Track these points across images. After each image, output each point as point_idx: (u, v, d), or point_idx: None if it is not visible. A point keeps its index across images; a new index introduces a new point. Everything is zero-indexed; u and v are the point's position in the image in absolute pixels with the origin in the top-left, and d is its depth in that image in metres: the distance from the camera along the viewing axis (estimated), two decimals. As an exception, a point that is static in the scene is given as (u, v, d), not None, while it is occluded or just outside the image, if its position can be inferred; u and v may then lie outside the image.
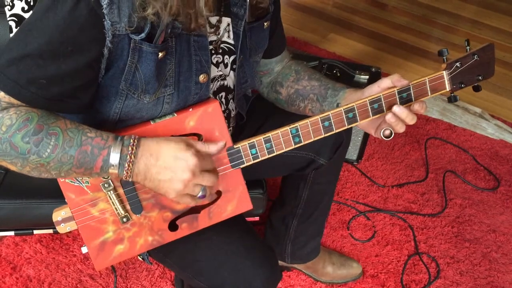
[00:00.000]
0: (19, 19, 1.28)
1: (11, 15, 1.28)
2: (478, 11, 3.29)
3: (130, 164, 0.89)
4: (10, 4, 1.27)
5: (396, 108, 0.98)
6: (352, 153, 2.06)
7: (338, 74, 1.99)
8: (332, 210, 1.91)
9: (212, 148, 0.97)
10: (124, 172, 0.89)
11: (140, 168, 0.90)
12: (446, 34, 3.03)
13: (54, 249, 1.68)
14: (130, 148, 0.89)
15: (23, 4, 1.27)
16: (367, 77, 1.97)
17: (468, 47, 1.01)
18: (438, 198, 1.99)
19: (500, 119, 2.39)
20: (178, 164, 0.90)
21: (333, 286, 1.67)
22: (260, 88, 1.29)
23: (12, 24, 1.28)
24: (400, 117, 0.99)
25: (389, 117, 0.99)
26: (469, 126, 2.33)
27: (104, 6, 0.82)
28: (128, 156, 0.89)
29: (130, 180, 0.92)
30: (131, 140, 0.90)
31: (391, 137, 1.01)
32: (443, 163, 2.14)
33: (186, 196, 0.94)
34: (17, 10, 1.28)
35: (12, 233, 1.43)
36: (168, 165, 0.90)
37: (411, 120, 0.99)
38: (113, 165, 0.89)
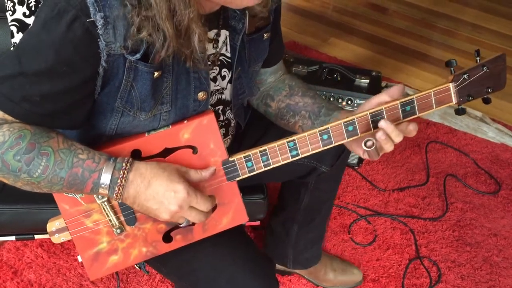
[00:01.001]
0: (20, 24, 1.28)
1: (12, 20, 1.28)
2: (478, 14, 3.29)
3: (121, 188, 0.89)
4: (12, 9, 1.28)
5: (383, 123, 0.93)
6: (353, 157, 2.06)
7: (339, 78, 1.99)
8: (333, 214, 1.90)
9: (205, 174, 0.97)
10: (114, 195, 0.90)
11: (130, 193, 0.90)
12: (446, 38, 3.04)
13: (55, 254, 1.68)
14: (121, 172, 0.89)
15: (24, 9, 1.28)
16: (368, 81, 1.97)
17: (478, 58, 0.96)
18: (439, 202, 1.99)
19: (501, 123, 2.39)
20: (168, 195, 0.90)
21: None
22: (251, 99, 1.27)
23: (14, 29, 1.29)
24: (387, 131, 0.93)
25: (379, 135, 0.93)
26: (470, 130, 2.33)
27: (99, 26, 0.82)
28: (119, 180, 0.88)
29: (119, 202, 0.93)
30: (123, 164, 0.89)
31: (373, 148, 0.94)
32: (444, 167, 2.14)
33: (172, 221, 0.96)
34: (18, 15, 1.28)
35: (13, 238, 1.43)
36: (157, 195, 0.90)
37: (396, 136, 0.94)
38: (103, 187, 0.89)
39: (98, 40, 0.83)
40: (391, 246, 1.81)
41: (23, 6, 1.27)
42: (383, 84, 2.41)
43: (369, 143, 0.95)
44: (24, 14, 1.28)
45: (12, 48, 1.29)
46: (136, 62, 0.87)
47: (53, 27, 0.82)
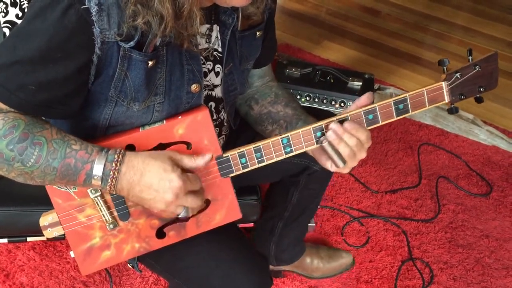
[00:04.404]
0: (13, 26, 1.28)
1: (5, 22, 1.28)
2: (470, 18, 3.31)
3: (113, 180, 0.89)
4: (4, 11, 1.27)
5: (333, 125, 0.96)
6: (345, 159, 2.06)
7: (332, 81, 2.00)
8: (326, 216, 1.91)
9: (199, 162, 0.96)
10: (107, 186, 0.90)
11: (124, 185, 0.90)
12: (439, 41, 3.05)
13: (48, 256, 1.68)
14: (114, 164, 0.88)
15: (17, 11, 1.28)
16: (360, 83, 1.99)
17: (470, 57, 0.97)
18: (431, 203, 2.00)
19: (492, 125, 2.41)
20: (162, 184, 0.90)
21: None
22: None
23: (6, 30, 1.29)
24: (337, 132, 0.96)
25: (329, 133, 0.96)
26: (462, 132, 2.34)
27: (94, 13, 0.83)
28: (111, 172, 0.88)
29: (114, 193, 0.93)
30: (116, 156, 0.89)
31: (325, 143, 0.96)
32: (436, 169, 2.15)
33: (168, 213, 0.95)
34: (11, 17, 1.28)
35: (5, 240, 1.43)
36: (151, 184, 0.90)
37: (348, 138, 0.96)
38: (95, 179, 0.89)
39: (93, 27, 0.84)
40: (384, 247, 1.82)
41: (15, 7, 1.27)
42: (376, 86, 2.43)
43: (322, 139, 0.97)
44: (17, 16, 1.28)
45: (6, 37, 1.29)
46: (130, 51, 0.88)
47: (48, 14, 0.82)
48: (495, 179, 2.12)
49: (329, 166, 1.02)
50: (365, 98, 0.99)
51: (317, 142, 1.00)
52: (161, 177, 0.90)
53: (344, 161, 0.97)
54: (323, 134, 0.99)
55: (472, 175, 2.14)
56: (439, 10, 3.36)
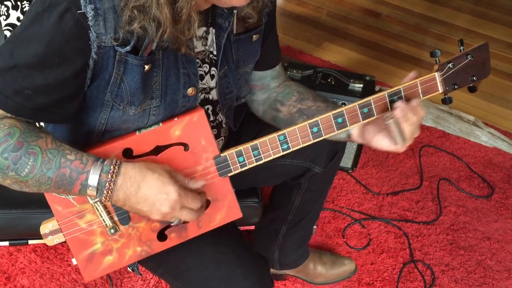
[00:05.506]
0: (14, 29, 1.29)
1: (6, 25, 1.29)
2: (471, 20, 3.32)
3: (109, 191, 0.89)
4: (6, 14, 1.28)
5: (399, 103, 0.94)
6: (347, 161, 2.06)
7: (333, 83, 2.00)
8: (327, 218, 1.91)
9: (192, 185, 0.96)
10: (103, 197, 0.89)
11: (120, 197, 0.90)
12: (439, 43, 3.05)
13: (49, 259, 1.68)
14: (109, 176, 0.88)
15: (18, 14, 1.28)
16: (361, 85, 1.98)
17: (461, 48, 0.99)
18: (432, 205, 2.00)
19: (494, 127, 2.40)
20: (159, 197, 0.90)
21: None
22: (254, 105, 1.26)
23: (7, 33, 1.29)
24: (405, 110, 0.93)
25: (396, 112, 0.93)
26: (463, 134, 2.34)
27: (90, 18, 0.83)
28: (107, 184, 0.88)
29: (109, 203, 0.93)
30: (111, 167, 0.88)
31: (391, 121, 0.94)
32: (437, 171, 2.15)
33: (164, 221, 0.96)
34: (12, 20, 1.28)
35: (6, 243, 1.43)
36: (148, 197, 0.90)
37: (412, 115, 0.94)
38: (91, 189, 0.89)
39: (89, 31, 0.84)
40: (385, 250, 1.82)
41: (17, 10, 1.28)
42: (377, 88, 2.43)
43: (388, 119, 0.95)
44: (18, 19, 1.28)
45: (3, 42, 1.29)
46: (126, 55, 0.88)
47: (45, 19, 0.83)
48: (497, 181, 2.12)
49: (385, 145, 1.00)
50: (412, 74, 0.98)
51: (385, 119, 0.96)
52: (159, 190, 0.90)
53: (404, 139, 0.96)
54: (319, 130, 0.99)
55: (474, 177, 2.13)
56: (439, 12, 3.36)
